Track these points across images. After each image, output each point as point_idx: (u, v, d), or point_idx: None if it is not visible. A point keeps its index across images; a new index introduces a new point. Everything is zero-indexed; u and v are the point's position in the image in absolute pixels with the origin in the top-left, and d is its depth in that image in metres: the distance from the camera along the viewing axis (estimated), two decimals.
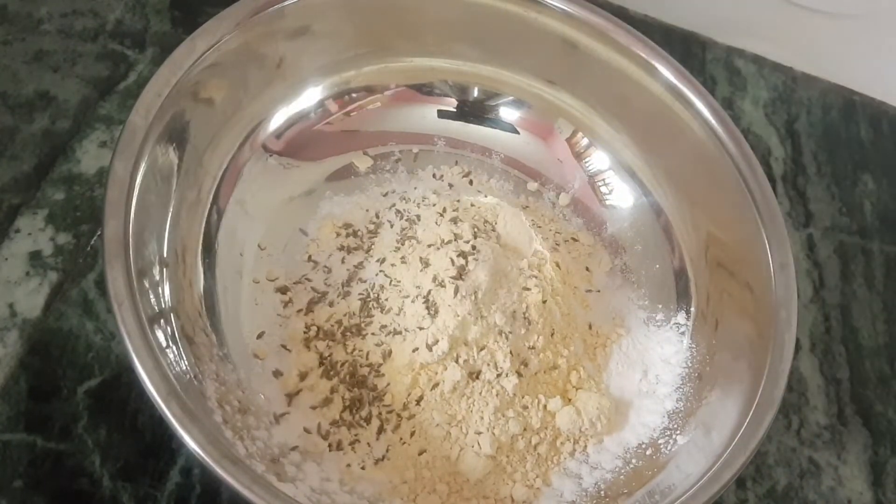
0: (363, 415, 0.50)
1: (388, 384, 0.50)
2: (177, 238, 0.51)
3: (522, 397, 0.51)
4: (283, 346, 0.52)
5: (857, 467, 0.59)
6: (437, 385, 0.50)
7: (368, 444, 0.49)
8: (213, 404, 0.45)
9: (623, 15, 0.63)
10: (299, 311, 0.53)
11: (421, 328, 0.50)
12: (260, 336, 0.52)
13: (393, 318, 0.51)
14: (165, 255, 0.49)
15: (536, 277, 0.53)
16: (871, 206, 0.73)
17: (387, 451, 0.49)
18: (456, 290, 0.50)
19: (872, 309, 0.67)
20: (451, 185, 0.61)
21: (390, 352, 0.51)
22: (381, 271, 0.53)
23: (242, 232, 0.55)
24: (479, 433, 0.50)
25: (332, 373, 0.51)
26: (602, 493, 0.50)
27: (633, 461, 0.51)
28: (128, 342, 0.41)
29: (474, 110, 0.64)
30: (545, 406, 0.51)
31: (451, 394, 0.50)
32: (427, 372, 0.50)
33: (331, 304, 0.53)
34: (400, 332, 0.51)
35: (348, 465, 0.48)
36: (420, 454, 0.49)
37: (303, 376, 0.50)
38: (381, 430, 0.49)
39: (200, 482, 0.48)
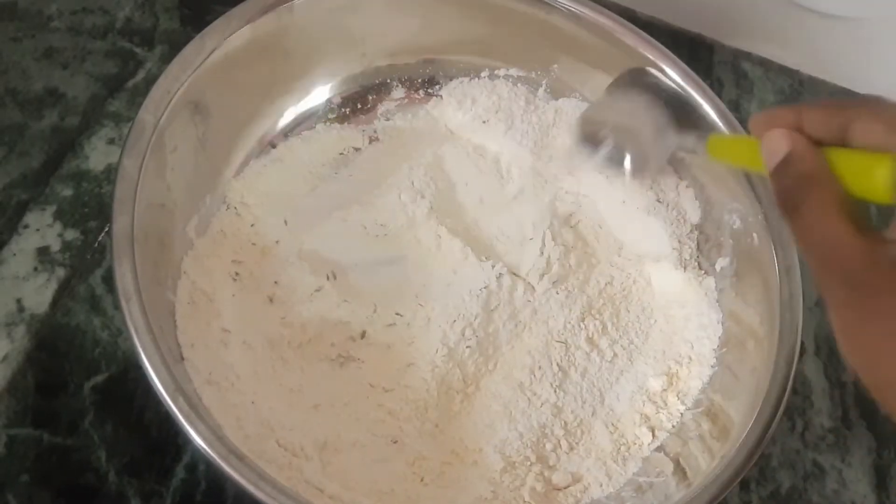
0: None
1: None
2: (185, 235, 0.51)
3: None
4: None
5: (861, 470, 0.59)
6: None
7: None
8: None
9: (631, 17, 0.63)
10: None
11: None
12: None
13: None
14: (174, 251, 0.49)
15: None
16: (877, 209, 0.72)
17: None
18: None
19: None
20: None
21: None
22: None
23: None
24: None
25: None
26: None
27: None
28: (135, 338, 0.42)
29: None
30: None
31: None
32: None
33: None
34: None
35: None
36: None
37: None
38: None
39: (206, 478, 0.48)
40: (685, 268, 0.57)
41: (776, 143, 0.36)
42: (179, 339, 0.47)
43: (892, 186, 0.33)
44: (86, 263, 0.53)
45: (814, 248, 0.34)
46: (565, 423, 0.51)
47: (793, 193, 0.35)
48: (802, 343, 0.50)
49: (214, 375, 0.47)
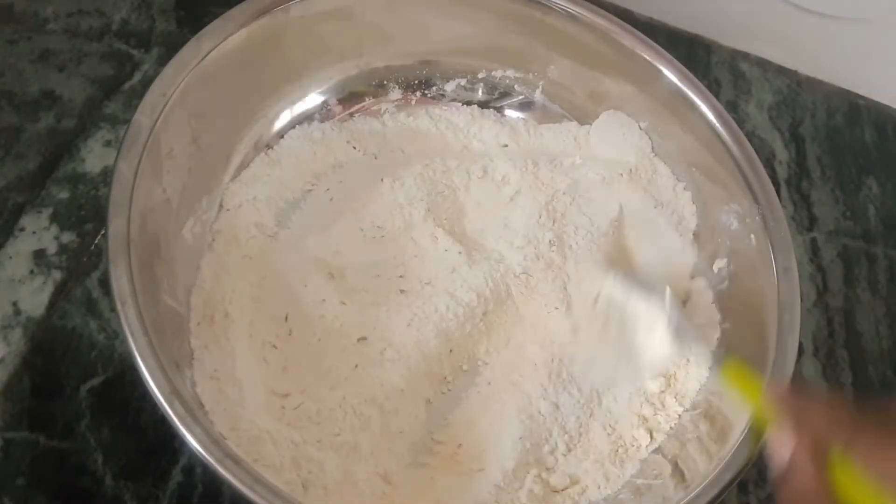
0: None
1: None
2: (181, 237, 0.51)
3: None
4: None
5: None
6: None
7: None
8: None
9: (628, 18, 0.63)
10: None
11: None
12: None
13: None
14: (170, 254, 0.49)
15: None
16: (875, 211, 0.72)
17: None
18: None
19: (876, 313, 0.66)
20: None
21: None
22: None
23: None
24: None
25: None
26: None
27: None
28: (131, 341, 0.41)
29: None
30: None
31: None
32: None
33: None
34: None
35: None
36: None
37: None
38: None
39: (202, 481, 0.48)
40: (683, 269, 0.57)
41: (780, 448, 0.35)
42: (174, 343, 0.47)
43: None
44: (82, 266, 0.53)
45: None
46: (563, 425, 0.51)
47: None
48: (801, 344, 0.50)
49: (214, 376, 0.47)
